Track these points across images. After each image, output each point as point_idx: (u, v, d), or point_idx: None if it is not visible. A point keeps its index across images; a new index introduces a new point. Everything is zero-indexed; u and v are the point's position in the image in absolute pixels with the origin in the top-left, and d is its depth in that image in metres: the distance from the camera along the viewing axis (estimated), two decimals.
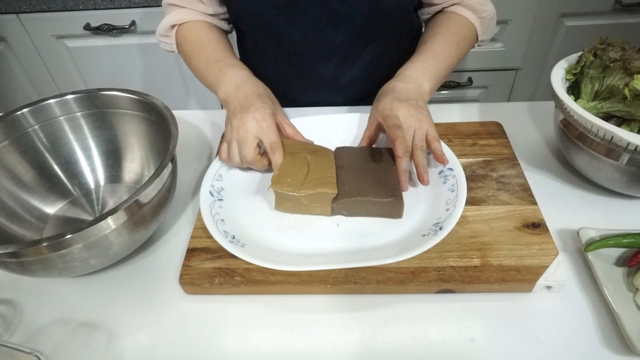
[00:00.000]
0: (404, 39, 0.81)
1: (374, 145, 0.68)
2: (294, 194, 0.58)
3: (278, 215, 0.62)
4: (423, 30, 0.82)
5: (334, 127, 0.72)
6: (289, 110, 0.80)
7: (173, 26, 0.77)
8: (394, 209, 0.59)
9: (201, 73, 0.74)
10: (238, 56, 0.83)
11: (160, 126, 0.62)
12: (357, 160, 0.63)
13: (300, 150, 0.63)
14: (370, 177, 0.60)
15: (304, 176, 0.59)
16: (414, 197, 0.60)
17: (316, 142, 0.68)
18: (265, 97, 0.66)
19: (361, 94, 0.82)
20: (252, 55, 0.87)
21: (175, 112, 0.62)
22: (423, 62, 0.69)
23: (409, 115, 0.61)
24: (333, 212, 0.61)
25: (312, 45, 0.78)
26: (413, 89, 0.65)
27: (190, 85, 1.49)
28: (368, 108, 0.69)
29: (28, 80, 1.49)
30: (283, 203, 0.60)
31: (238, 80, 0.68)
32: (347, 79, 0.83)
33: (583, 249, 0.55)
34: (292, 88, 0.84)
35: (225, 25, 0.81)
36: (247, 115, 0.61)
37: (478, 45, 0.81)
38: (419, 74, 0.67)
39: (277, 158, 0.61)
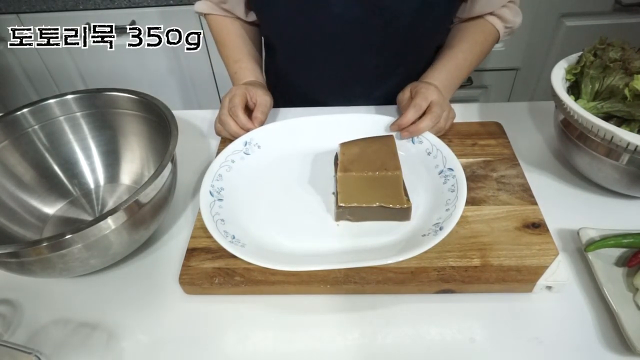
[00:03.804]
0: (433, 56, 0.83)
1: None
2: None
3: (278, 215, 0.62)
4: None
5: (341, 126, 0.72)
6: (300, 110, 0.82)
7: (199, 14, 0.85)
8: (404, 214, 0.59)
9: (225, 64, 0.84)
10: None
11: (160, 126, 0.62)
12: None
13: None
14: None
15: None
16: (414, 198, 0.60)
17: (323, 142, 0.70)
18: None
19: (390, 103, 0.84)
20: (283, 71, 0.89)
21: (175, 112, 0.62)
22: (446, 73, 0.75)
23: (440, 99, 0.68)
24: (338, 218, 0.60)
25: (345, 69, 0.82)
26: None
27: (190, 85, 1.49)
28: (384, 108, 0.71)
29: (28, 80, 1.49)
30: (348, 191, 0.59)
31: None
32: (377, 94, 0.86)
33: (583, 249, 0.55)
34: (324, 99, 0.87)
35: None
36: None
37: None
38: (440, 84, 0.73)
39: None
